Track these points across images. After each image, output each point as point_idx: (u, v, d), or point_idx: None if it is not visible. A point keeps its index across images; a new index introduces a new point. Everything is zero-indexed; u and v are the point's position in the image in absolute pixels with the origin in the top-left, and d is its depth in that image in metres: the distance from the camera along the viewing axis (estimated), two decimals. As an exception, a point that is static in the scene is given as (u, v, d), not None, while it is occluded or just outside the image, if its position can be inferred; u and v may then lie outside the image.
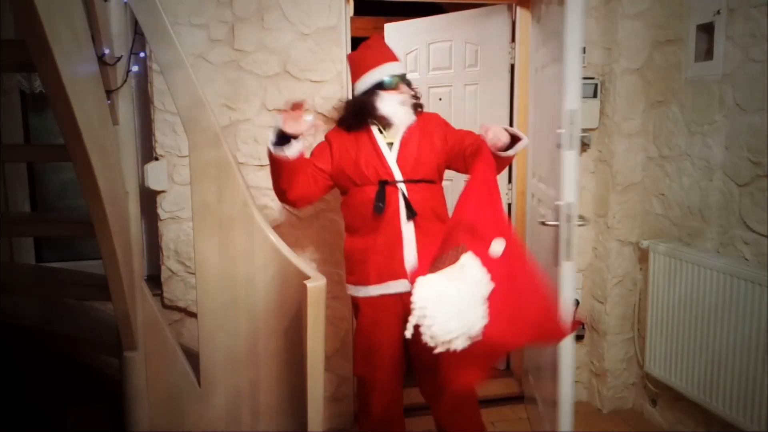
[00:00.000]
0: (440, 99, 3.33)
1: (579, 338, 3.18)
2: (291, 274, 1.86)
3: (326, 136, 2.31)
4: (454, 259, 1.74)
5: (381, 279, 2.22)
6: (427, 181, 2.23)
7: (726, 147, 2.48)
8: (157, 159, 2.60)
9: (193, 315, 2.55)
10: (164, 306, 2.67)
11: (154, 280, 2.72)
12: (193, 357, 1.93)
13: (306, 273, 1.81)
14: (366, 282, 2.25)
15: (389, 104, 2.18)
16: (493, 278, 1.70)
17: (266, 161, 2.67)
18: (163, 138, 2.59)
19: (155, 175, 2.58)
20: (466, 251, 1.75)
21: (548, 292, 1.91)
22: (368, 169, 2.20)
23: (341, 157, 2.22)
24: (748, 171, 2.38)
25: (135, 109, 2.64)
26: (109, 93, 1.73)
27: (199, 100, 1.81)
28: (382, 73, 2.19)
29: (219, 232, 1.83)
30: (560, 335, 1.90)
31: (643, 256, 2.95)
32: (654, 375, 2.86)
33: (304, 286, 1.72)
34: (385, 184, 2.19)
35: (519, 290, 1.73)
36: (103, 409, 2.61)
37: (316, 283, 1.74)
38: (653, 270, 2.81)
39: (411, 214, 2.18)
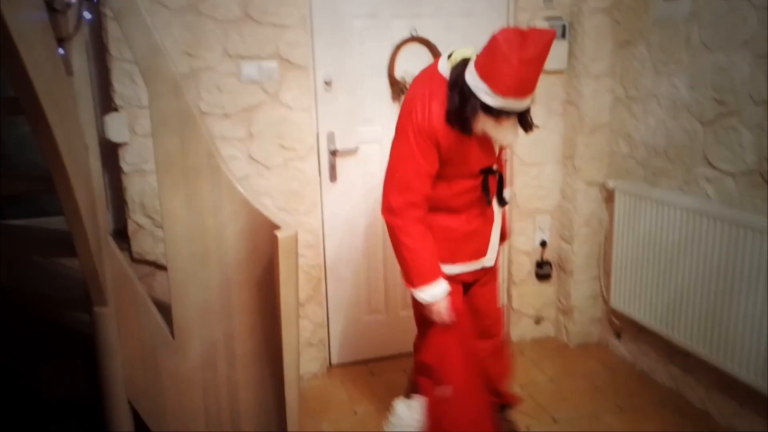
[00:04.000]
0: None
1: (546, 278, 3.27)
2: (261, 225, 1.84)
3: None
4: None
5: (471, 258, 2.16)
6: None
7: (691, 86, 2.50)
8: (116, 110, 2.51)
9: (164, 268, 2.53)
10: (133, 260, 2.64)
11: (121, 234, 2.67)
12: (166, 310, 1.93)
13: (276, 223, 1.80)
14: (453, 261, 2.13)
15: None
16: None
17: (230, 110, 2.62)
18: (121, 88, 2.50)
19: (115, 127, 2.50)
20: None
21: None
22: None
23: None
24: (713, 110, 2.41)
25: (90, 58, 2.53)
26: (61, 42, 1.65)
27: (157, 47, 1.73)
28: (501, 103, 1.78)
29: (185, 184, 1.79)
30: None
31: (609, 197, 3.01)
32: (618, 310, 2.96)
33: (275, 237, 1.71)
34: (488, 173, 2.09)
35: None
36: (77, 364, 2.61)
37: (287, 234, 1.72)
38: (619, 210, 2.87)
39: (503, 203, 2.17)
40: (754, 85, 2.23)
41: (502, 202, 2.17)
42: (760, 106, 2.20)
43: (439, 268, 2.04)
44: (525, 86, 1.74)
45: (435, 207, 2.05)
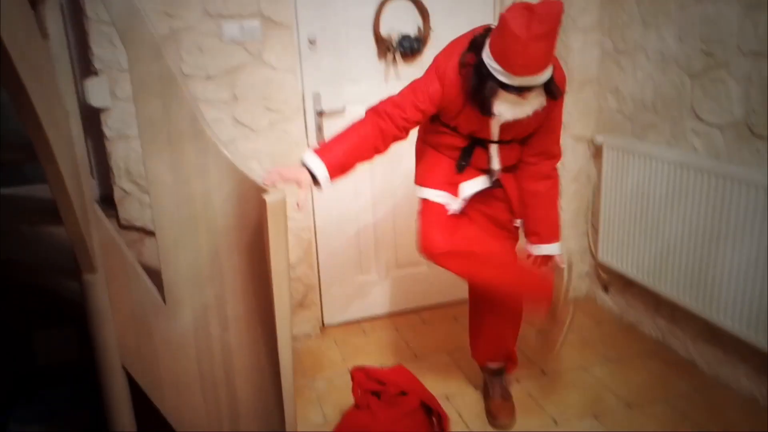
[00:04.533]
0: None
1: (536, 234, 3.28)
2: (249, 189, 1.82)
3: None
4: None
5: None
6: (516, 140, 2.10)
7: (680, 38, 2.47)
8: (96, 74, 2.46)
9: (152, 234, 2.52)
10: (121, 226, 2.62)
11: (108, 201, 2.65)
12: (156, 275, 1.93)
13: (264, 187, 1.78)
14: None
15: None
16: None
17: (213, 72, 2.57)
18: (100, 51, 2.43)
19: (96, 92, 2.44)
20: None
21: None
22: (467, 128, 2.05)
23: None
24: (701, 62, 2.39)
25: (66, 20, 2.46)
26: (34, 4, 1.59)
27: (134, 7, 1.68)
28: (518, 82, 1.77)
29: (169, 149, 1.76)
30: None
31: (597, 152, 3.01)
32: (606, 264, 3.00)
33: (263, 201, 1.70)
34: (476, 143, 2.07)
35: None
36: (70, 330, 2.62)
37: (276, 197, 1.71)
38: (606, 164, 2.87)
39: (496, 184, 2.13)
40: (742, 36, 2.21)
41: (495, 184, 2.14)
42: (748, 57, 2.19)
43: (332, 156, 1.95)
44: (539, 63, 1.72)
45: (431, 143, 2.17)
